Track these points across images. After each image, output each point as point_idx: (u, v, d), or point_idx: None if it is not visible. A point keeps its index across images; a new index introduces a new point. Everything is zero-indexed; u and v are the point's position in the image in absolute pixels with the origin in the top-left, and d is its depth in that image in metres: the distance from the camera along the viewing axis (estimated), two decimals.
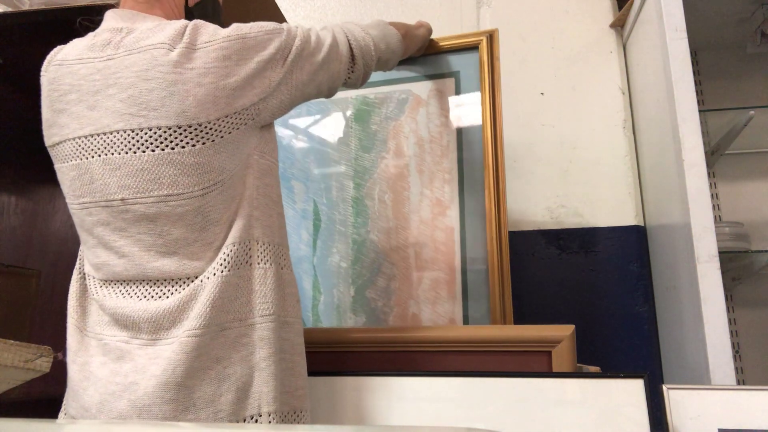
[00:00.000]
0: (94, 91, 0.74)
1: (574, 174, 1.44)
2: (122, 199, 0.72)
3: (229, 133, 0.73)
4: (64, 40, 0.83)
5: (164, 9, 0.83)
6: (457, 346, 0.97)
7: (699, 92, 1.53)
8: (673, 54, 1.16)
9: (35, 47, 1.23)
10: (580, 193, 1.43)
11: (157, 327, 0.72)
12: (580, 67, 1.50)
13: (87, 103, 0.75)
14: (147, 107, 0.71)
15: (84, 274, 0.82)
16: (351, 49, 0.89)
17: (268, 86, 0.76)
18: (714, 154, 1.41)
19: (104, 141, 0.73)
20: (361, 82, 0.95)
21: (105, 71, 0.74)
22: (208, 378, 0.70)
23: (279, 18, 1.42)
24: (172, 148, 0.70)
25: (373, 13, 1.74)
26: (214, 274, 0.72)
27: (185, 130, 0.70)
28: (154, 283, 0.74)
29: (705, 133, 1.35)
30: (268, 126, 0.81)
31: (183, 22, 0.75)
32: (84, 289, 0.81)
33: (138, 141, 0.71)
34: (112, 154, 0.72)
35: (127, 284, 0.76)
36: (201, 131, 0.71)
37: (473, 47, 1.20)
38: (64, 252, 1.62)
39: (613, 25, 1.52)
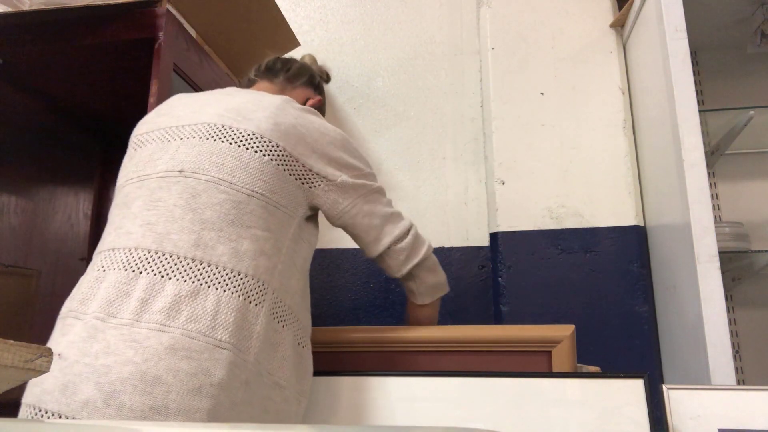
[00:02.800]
0: (206, 105, 0.87)
1: (574, 174, 1.44)
2: (180, 171, 0.80)
3: (289, 173, 0.82)
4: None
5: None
6: (457, 346, 0.97)
7: (699, 92, 1.54)
8: (673, 54, 1.16)
9: (35, 47, 1.23)
10: (580, 193, 1.43)
11: (144, 304, 0.69)
12: (580, 67, 1.50)
13: (193, 108, 0.87)
14: (244, 117, 0.83)
15: (94, 267, 0.78)
16: (409, 228, 0.92)
17: (334, 177, 0.85)
18: (714, 154, 1.41)
19: (191, 129, 0.84)
20: (401, 263, 0.91)
21: (226, 100, 0.88)
22: (191, 385, 0.66)
23: (279, 17, 1.41)
24: (246, 148, 0.80)
25: (373, 13, 1.74)
26: (225, 291, 0.72)
27: (262, 140, 0.81)
28: (162, 255, 0.73)
29: (705, 133, 1.35)
30: (314, 217, 0.90)
31: None
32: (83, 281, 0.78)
33: (220, 132, 0.82)
34: (193, 138, 0.83)
35: (134, 251, 0.75)
36: (273, 149, 0.81)
37: None
38: (64, 252, 1.62)
39: (613, 25, 1.51)
